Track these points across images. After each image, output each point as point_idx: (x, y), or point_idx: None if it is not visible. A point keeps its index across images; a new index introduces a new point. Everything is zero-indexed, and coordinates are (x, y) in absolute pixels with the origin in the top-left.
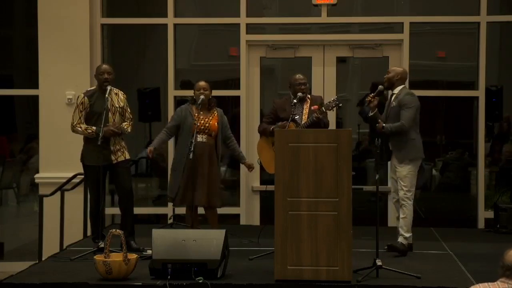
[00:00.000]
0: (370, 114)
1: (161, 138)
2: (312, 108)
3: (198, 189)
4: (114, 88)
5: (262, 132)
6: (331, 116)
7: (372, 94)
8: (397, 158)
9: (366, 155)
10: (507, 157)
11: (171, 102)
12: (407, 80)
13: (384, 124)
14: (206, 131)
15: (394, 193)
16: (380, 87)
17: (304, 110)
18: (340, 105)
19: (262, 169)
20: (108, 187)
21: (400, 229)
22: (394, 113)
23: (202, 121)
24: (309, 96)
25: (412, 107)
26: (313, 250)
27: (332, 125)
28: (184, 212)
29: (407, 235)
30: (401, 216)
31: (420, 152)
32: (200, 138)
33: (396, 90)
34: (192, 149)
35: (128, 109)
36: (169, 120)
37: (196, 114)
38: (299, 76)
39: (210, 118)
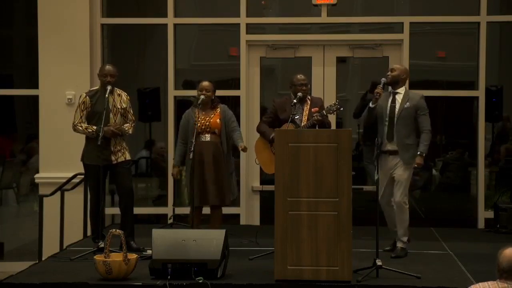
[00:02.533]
0: (372, 105)
1: (180, 151)
2: (312, 110)
3: (206, 189)
4: (118, 89)
5: (261, 135)
6: (331, 116)
7: (380, 86)
8: (403, 159)
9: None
10: (505, 157)
11: (171, 102)
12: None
13: (420, 151)
14: (208, 129)
15: (388, 196)
16: (384, 79)
17: (304, 112)
18: (342, 109)
19: (261, 169)
20: (108, 187)
21: (398, 234)
22: (408, 115)
23: (203, 121)
24: (309, 97)
25: (428, 111)
26: (313, 250)
27: (332, 125)
28: (184, 212)
29: (405, 239)
30: (399, 221)
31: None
32: (204, 137)
33: (401, 90)
34: (192, 149)
35: (131, 111)
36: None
37: (197, 115)
38: (300, 76)
39: (211, 116)
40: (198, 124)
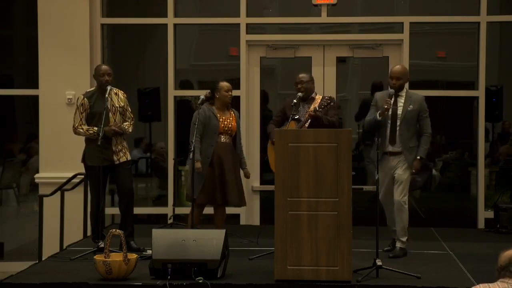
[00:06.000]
0: (379, 118)
1: (199, 147)
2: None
3: (228, 188)
4: (114, 88)
5: (268, 136)
6: None
7: (390, 101)
8: (408, 161)
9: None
10: (504, 158)
11: (171, 102)
12: None
13: (419, 156)
14: (229, 132)
15: (389, 195)
16: (392, 90)
17: (308, 110)
18: (332, 103)
19: (262, 169)
20: (109, 187)
21: (398, 234)
22: (411, 118)
23: (226, 122)
24: (318, 96)
25: (428, 113)
26: (313, 250)
27: None
28: (185, 212)
29: (404, 239)
30: (398, 221)
31: None
32: (224, 139)
33: (402, 92)
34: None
35: (129, 109)
36: (193, 123)
37: (219, 115)
38: (299, 75)
39: (231, 119)
40: (221, 125)
